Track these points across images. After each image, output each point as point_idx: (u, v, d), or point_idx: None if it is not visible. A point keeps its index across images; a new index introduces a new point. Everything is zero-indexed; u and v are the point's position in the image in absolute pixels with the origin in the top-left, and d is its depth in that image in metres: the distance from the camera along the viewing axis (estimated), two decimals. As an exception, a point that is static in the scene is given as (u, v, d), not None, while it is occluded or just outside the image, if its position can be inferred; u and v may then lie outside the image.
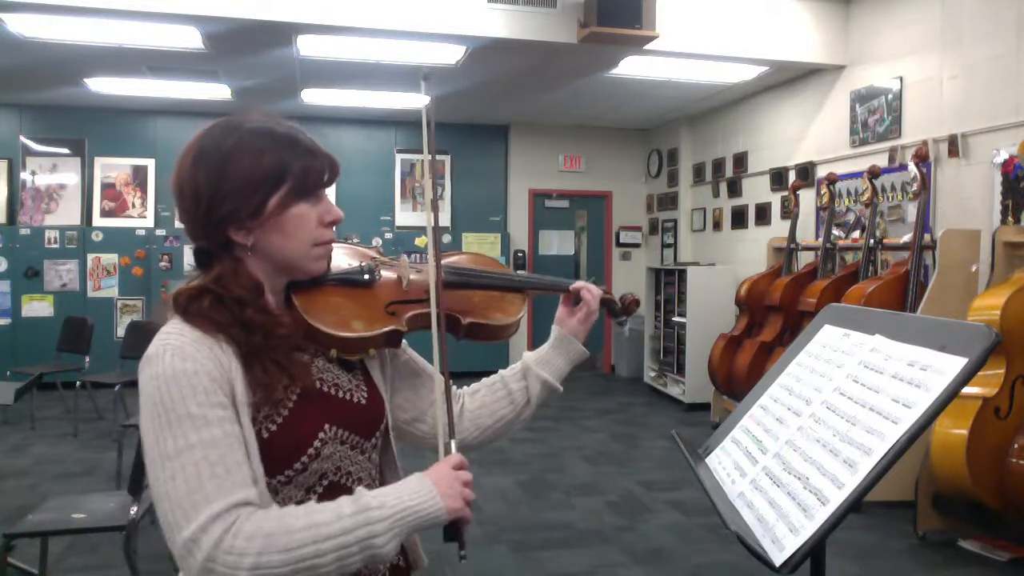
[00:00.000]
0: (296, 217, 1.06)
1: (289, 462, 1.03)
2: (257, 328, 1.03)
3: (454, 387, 1.31)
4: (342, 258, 1.18)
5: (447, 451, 1.09)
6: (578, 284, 1.37)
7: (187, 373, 0.95)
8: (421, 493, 1.00)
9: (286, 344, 1.05)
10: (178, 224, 7.83)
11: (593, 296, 1.36)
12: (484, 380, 1.35)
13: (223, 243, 1.06)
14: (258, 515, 0.92)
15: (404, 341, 1.27)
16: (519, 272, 1.41)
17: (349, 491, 1.10)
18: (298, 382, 1.04)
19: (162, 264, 7.75)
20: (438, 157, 8.57)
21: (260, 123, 1.07)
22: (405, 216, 8.58)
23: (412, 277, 1.21)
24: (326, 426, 1.06)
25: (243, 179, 1.03)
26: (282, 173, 1.04)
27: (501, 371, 1.35)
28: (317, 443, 1.05)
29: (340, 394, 1.11)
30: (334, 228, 1.11)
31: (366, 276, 1.16)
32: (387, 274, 1.19)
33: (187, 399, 0.94)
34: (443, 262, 1.23)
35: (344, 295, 1.13)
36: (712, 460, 1.34)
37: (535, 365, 1.33)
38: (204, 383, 0.96)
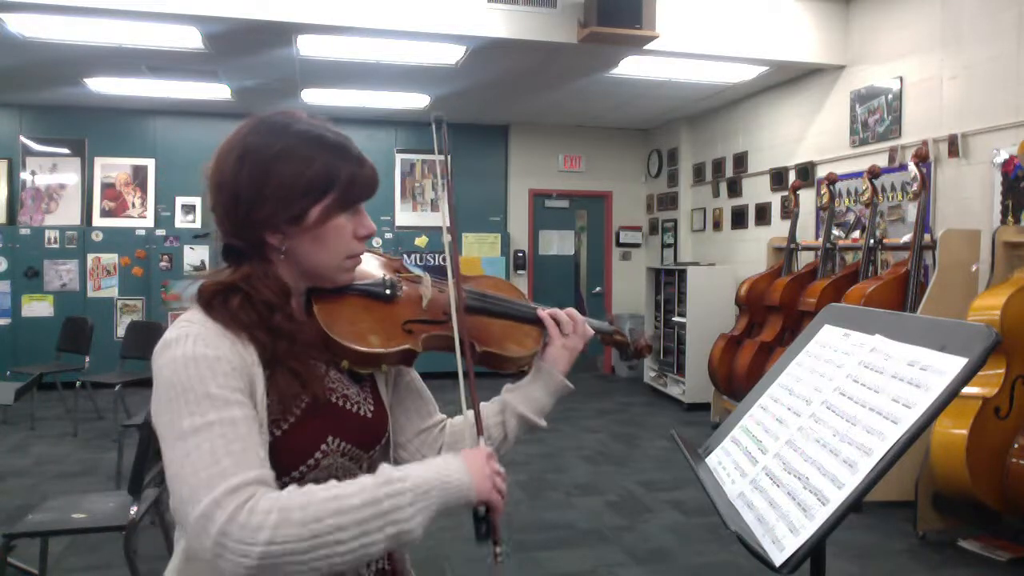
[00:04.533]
0: (335, 228, 1.05)
1: (288, 470, 1.01)
2: (284, 334, 1.02)
3: (440, 416, 1.29)
4: (368, 265, 1.17)
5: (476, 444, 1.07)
6: (544, 314, 1.27)
7: (208, 358, 0.94)
8: (450, 468, 0.98)
9: (306, 352, 1.04)
10: (186, 222, 7.88)
11: (570, 328, 1.26)
12: (466, 412, 1.29)
13: (256, 244, 1.04)
14: (276, 492, 0.89)
15: None
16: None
17: None
18: (310, 391, 1.03)
19: (162, 264, 7.75)
20: (438, 157, 8.59)
21: (311, 127, 1.05)
22: (405, 216, 8.58)
23: (433, 296, 1.19)
24: (329, 438, 1.05)
25: (288, 184, 1.01)
26: (329, 182, 1.03)
27: (482, 403, 1.28)
28: (318, 454, 1.04)
29: (348, 406, 1.10)
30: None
31: (388, 291, 1.14)
32: (408, 291, 1.18)
33: (207, 380, 0.93)
34: (465, 285, 1.21)
35: (363, 307, 1.12)
36: (712, 460, 1.34)
37: (513, 399, 1.26)
38: (225, 368, 0.94)
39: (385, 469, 0.96)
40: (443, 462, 0.99)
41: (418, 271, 1.25)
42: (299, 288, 1.09)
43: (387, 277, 1.16)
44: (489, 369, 1.24)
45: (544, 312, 1.28)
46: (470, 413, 1.12)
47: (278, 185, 1.01)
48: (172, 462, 0.91)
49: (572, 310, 1.30)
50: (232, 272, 1.04)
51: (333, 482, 0.94)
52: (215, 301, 1.01)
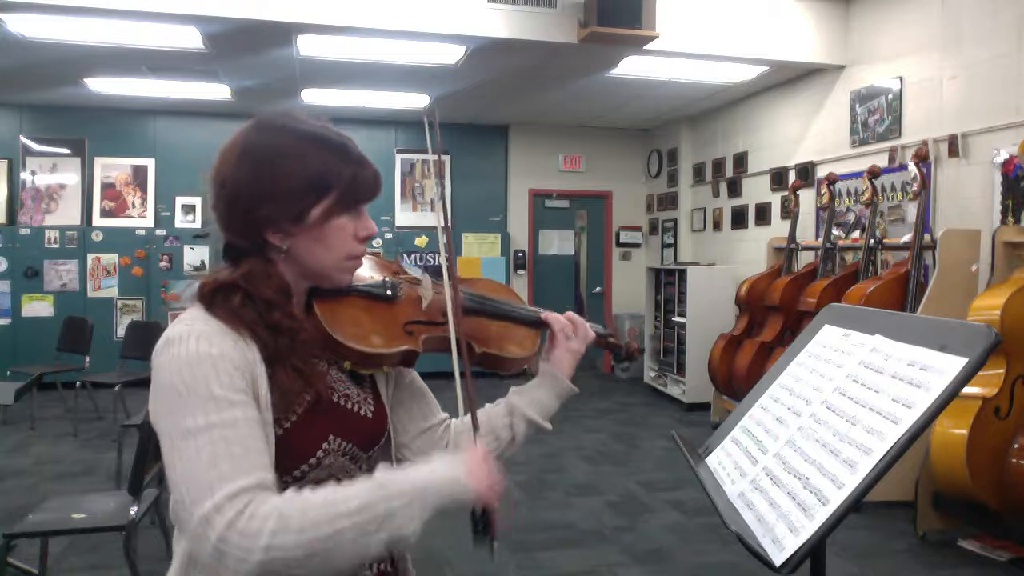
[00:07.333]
0: (336, 229, 1.05)
1: (289, 469, 1.01)
2: (284, 331, 1.01)
3: (442, 415, 1.29)
4: (366, 268, 1.17)
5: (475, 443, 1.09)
6: (548, 316, 1.28)
7: (211, 356, 0.94)
8: (446, 468, 0.99)
9: (307, 350, 1.04)
10: (186, 222, 7.89)
11: (571, 331, 1.28)
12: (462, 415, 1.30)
13: (258, 242, 1.04)
14: (275, 497, 0.90)
15: None
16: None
17: None
18: (313, 389, 1.03)
19: (162, 264, 7.75)
20: (431, 156, 8.59)
21: (313, 127, 1.05)
22: (405, 216, 8.58)
23: (432, 298, 1.20)
24: (331, 437, 1.05)
25: (288, 184, 1.01)
26: (329, 182, 1.03)
27: (487, 404, 1.30)
28: (320, 453, 1.04)
29: (349, 405, 1.10)
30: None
31: (389, 292, 1.15)
32: (408, 292, 1.19)
33: (210, 380, 0.93)
34: (462, 287, 1.22)
35: (364, 308, 1.12)
36: (712, 460, 1.34)
37: (521, 403, 1.27)
38: (228, 368, 0.94)
39: (382, 472, 0.97)
40: (440, 463, 1.00)
41: (417, 272, 1.25)
42: (299, 288, 1.09)
43: (387, 279, 1.17)
44: (488, 370, 1.24)
45: (550, 316, 1.29)
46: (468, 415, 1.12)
47: (278, 184, 1.01)
48: (173, 464, 0.91)
49: (572, 314, 1.31)
50: (232, 270, 1.04)
51: (332, 485, 0.94)
52: (216, 299, 1.00)
